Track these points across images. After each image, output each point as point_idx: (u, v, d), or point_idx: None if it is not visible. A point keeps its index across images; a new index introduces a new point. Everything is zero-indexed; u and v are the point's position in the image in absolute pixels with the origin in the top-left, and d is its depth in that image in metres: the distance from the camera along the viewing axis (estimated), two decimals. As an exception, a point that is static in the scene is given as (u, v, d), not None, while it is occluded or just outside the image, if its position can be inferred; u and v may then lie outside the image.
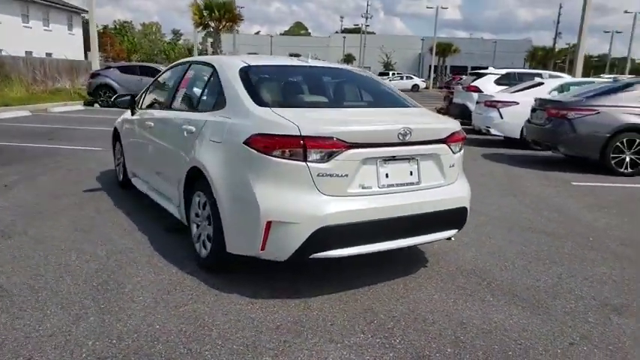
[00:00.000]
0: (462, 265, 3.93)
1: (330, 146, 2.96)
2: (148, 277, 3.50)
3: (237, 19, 26.32)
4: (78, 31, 38.25)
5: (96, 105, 18.04)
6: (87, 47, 36.39)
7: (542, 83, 11.46)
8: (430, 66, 54.30)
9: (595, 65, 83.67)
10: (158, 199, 4.57)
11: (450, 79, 48.87)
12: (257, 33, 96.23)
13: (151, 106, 5.12)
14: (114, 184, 6.11)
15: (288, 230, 2.96)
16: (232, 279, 3.46)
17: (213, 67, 3.99)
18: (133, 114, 5.28)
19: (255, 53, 70.24)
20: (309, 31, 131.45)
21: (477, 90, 14.20)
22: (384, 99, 4.00)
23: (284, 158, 2.97)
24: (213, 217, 3.37)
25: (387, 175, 3.16)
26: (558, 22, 70.06)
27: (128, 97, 5.27)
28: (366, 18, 64.72)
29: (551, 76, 13.88)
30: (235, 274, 3.52)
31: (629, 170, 8.08)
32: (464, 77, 42.99)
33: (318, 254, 3.03)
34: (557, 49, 66.63)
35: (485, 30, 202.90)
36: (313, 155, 2.95)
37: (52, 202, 5.28)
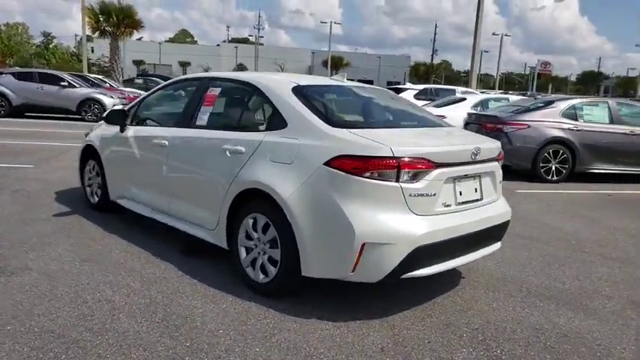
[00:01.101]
0: (492, 273, 4.17)
1: (421, 166, 3.03)
2: (209, 307, 3.28)
3: (138, 26, 25.01)
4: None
5: (-14, 115, 16.09)
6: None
7: (464, 99, 12.39)
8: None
9: (465, 80, 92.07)
10: (174, 222, 4.26)
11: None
12: (139, 39, 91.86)
13: (151, 123, 4.79)
14: (83, 206, 5.55)
15: (382, 251, 2.96)
16: (297, 303, 3.37)
17: (252, 85, 3.85)
18: (122, 130, 4.87)
19: (142, 61, 67.04)
20: (196, 39, 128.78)
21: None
22: (426, 118, 4.11)
23: (376, 179, 2.97)
24: (282, 240, 3.26)
25: (460, 193, 3.29)
26: (434, 40, 75.91)
27: (121, 113, 4.87)
28: (258, 29, 64.97)
29: (464, 92, 15.09)
30: (296, 298, 3.42)
31: (555, 178, 9.03)
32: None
33: (408, 274, 3.07)
34: (433, 65, 72.18)
35: (364, 45, 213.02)
36: (405, 176, 2.99)
37: (28, 230, 4.69)
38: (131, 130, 4.79)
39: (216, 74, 4.47)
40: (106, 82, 20.20)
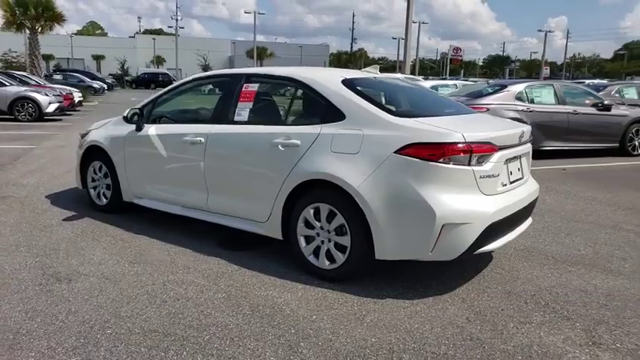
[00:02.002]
0: (514, 245, 4.49)
1: (488, 150, 3.29)
2: (287, 296, 3.38)
3: (60, 19, 23.46)
4: None
5: None
6: None
7: (417, 85, 12.93)
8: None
9: (386, 68, 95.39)
10: (212, 218, 4.27)
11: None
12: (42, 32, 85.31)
13: (173, 121, 4.72)
14: (88, 209, 5.34)
15: (460, 231, 3.20)
16: (366, 285, 3.53)
17: (297, 81, 3.95)
18: (139, 129, 4.75)
19: (51, 55, 62.65)
20: (106, 31, 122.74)
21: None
22: (459, 106, 4.38)
23: (450, 164, 3.20)
24: (352, 227, 3.41)
25: (511, 173, 3.59)
26: (353, 29, 77.53)
27: (138, 112, 4.75)
28: (177, 20, 62.54)
29: (406, 79, 15.65)
30: (362, 281, 3.59)
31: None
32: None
33: (479, 250, 3.33)
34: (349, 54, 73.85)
35: (280, 34, 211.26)
36: (475, 159, 3.24)
37: (49, 237, 4.49)
38: (151, 129, 4.69)
39: (251, 70, 4.48)
40: (32, 80, 18.90)
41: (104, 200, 5.28)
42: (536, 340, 2.88)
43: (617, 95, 13.82)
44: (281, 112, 4.17)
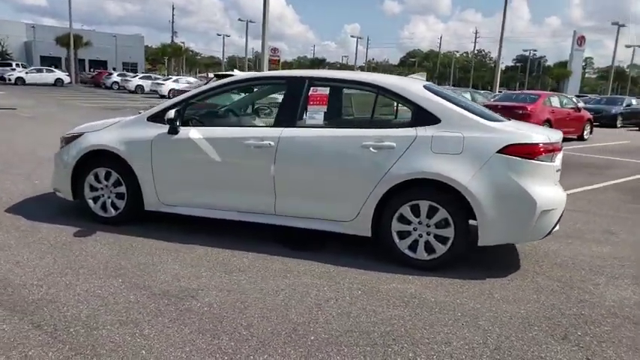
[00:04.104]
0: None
1: (558, 149, 4.04)
2: (411, 287, 3.69)
3: None
4: None
5: None
6: None
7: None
8: (72, 60, 48.73)
9: (206, 64, 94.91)
10: (280, 221, 4.31)
11: (96, 74, 46.75)
12: None
13: (218, 124, 4.54)
14: (80, 220, 4.76)
15: (549, 215, 3.89)
16: (456, 271, 3.99)
17: (377, 86, 4.21)
18: (175, 133, 4.45)
19: None
20: None
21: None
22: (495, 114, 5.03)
23: (543, 161, 3.86)
24: (457, 220, 3.86)
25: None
26: (173, 22, 74.97)
27: (176, 114, 4.42)
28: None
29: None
30: (449, 267, 4.04)
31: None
32: (129, 74, 42.33)
33: (553, 230, 4.06)
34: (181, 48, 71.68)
35: (76, 20, 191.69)
36: (554, 156, 3.97)
37: (89, 257, 4.01)
38: (192, 132, 4.43)
39: (316, 74, 4.52)
40: None
41: (113, 211, 4.78)
42: (619, 296, 3.72)
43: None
44: (366, 116, 4.37)
